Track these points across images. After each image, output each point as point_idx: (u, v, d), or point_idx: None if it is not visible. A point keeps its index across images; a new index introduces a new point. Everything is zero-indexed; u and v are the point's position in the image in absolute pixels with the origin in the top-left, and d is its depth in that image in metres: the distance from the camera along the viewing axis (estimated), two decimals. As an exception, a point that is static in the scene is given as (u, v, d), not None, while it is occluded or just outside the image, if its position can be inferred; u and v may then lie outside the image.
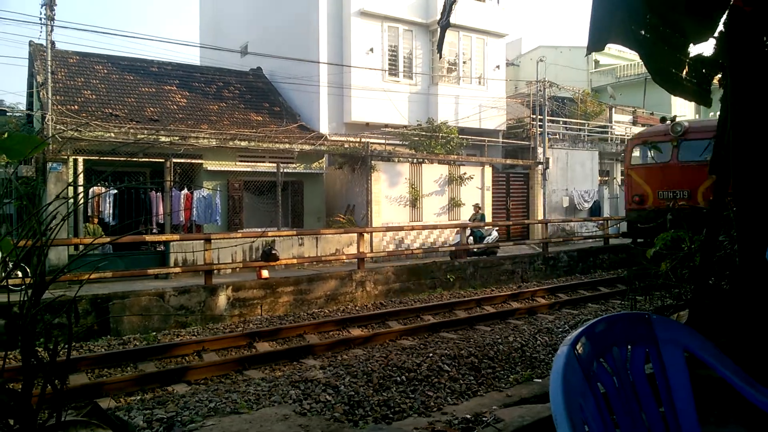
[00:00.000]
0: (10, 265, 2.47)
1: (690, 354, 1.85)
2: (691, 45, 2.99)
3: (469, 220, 17.86)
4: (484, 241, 16.76)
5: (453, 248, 15.85)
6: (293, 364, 7.75)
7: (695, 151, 12.69)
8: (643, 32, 2.56)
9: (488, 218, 19.51)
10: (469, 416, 4.75)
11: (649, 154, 14.13)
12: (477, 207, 17.93)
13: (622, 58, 34.68)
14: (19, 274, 6.45)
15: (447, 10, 3.56)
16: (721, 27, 2.96)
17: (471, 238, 16.54)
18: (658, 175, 13.77)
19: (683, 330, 1.97)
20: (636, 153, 14.60)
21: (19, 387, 2.24)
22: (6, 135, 2.20)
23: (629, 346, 1.73)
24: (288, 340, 9.08)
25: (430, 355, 7.06)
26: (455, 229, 17.36)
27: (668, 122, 14.08)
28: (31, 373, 2.17)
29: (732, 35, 3.05)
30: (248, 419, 4.75)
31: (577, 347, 1.55)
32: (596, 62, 35.07)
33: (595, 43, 2.41)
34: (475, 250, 16.10)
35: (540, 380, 6.12)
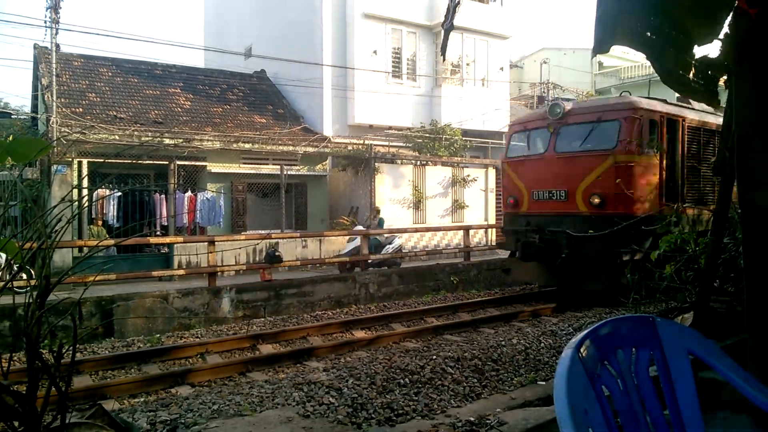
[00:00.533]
0: (15, 268, 2.48)
1: (694, 356, 1.84)
2: (696, 46, 2.98)
3: (368, 227, 15.58)
4: (383, 251, 14.30)
5: (338, 260, 13.58)
6: (296, 366, 7.75)
7: (578, 138, 10.70)
8: (648, 33, 2.56)
9: (492, 221, 19.48)
10: (472, 419, 4.73)
11: (526, 143, 11.85)
12: (376, 211, 15.87)
13: (626, 59, 34.65)
14: (24, 276, 6.47)
15: (451, 13, 3.56)
16: (726, 29, 2.95)
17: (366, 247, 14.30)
18: (534, 170, 11.44)
19: (688, 332, 1.97)
20: (515, 143, 12.15)
21: (23, 389, 2.25)
22: (11, 138, 2.21)
23: (633, 349, 1.72)
24: (291, 342, 9.07)
25: (434, 357, 7.05)
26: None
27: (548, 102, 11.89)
28: (36, 375, 2.17)
29: (737, 37, 3.04)
30: (252, 421, 4.75)
31: (582, 350, 1.54)
32: (600, 64, 35.04)
33: (601, 45, 2.41)
34: (369, 261, 13.82)
35: (544, 383, 6.11)
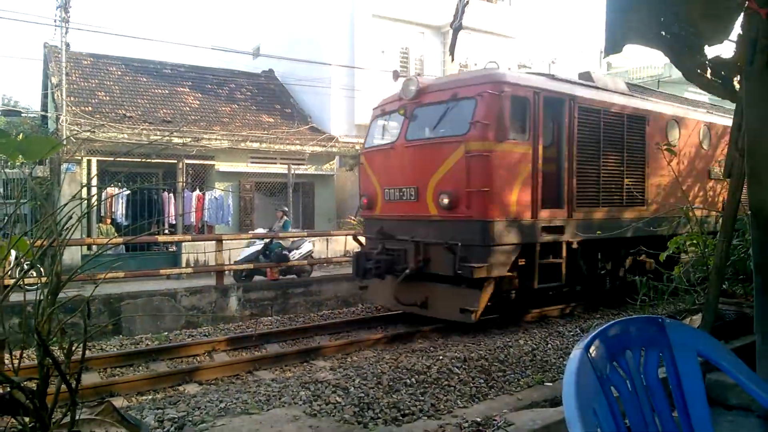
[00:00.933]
0: (25, 265, 2.51)
1: (703, 358, 1.84)
2: (707, 47, 2.97)
3: (269, 230, 13.74)
4: (290, 258, 12.61)
5: (236, 267, 11.93)
6: (303, 365, 7.77)
7: (432, 122, 8.69)
8: (663, 33, 2.56)
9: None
10: (479, 419, 4.74)
11: (382, 130, 9.82)
12: (283, 212, 14.05)
13: (634, 60, 34.48)
14: (33, 273, 6.52)
15: (460, 13, 3.56)
16: (739, 30, 2.94)
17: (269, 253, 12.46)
18: (386, 163, 9.36)
19: (697, 334, 1.96)
20: (374, 129, 10.10)
21: (32, 385, 2.27)
22: (21, 136, 2.24)
23: (643, 350, 1.72)
24: (298, 341, 9.09)
25: (440, 357, 7.05)
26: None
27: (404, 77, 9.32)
28: (47, 372, 2.19)
29: (747, 38, 3.03)
30: (259, 420, 4.77)
31: (591, 350, 1.54)
32: (608, 65, 34.88)
33: (613, 46, 2.41)
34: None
35: (551, 384, 6.10)
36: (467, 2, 3.71)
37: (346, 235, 14.15)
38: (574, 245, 9.08)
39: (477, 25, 20.36)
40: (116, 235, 13.25)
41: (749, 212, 3.23)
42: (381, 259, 8.86)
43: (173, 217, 14.81)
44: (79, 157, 13.53)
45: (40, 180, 13.48)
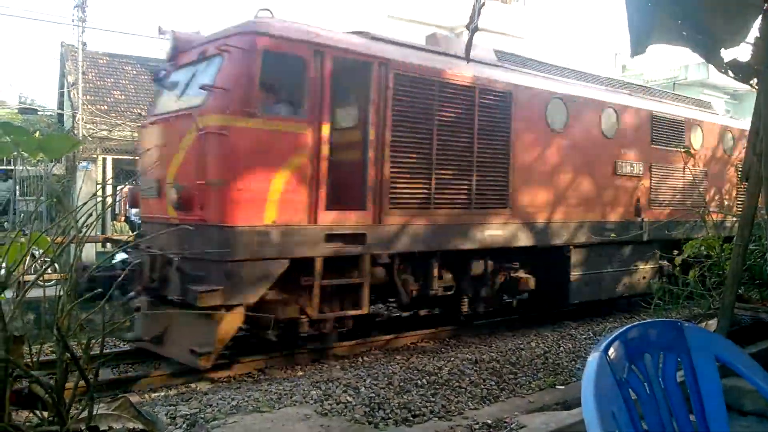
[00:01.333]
0: (40, 262, 2.54)
1: (720, 362, 1.84)
2: (723, 49, 2.96)
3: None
4: None
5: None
6: (314, 364, 7.78)
7: (181, 90, 6.70)
8: (684, 33, 2.56)
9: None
10: (490, 422, 4.73)
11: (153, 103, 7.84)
12: None
13: (649, 62, 34.26)
14: (50, 270, 6.59)
15: (476, 14, 3.56)
16: (757, 33, 2.92)
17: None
18: (143, 145, 7.43)
19: (715, 338, 1.96)
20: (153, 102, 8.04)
21: (51, 380, 2.30)
22: (38, 134, 2.27)
23: (661, 353, 1.72)
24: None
25: (452, 359, 7.05)
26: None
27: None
28: (66, 367, 2.22)
29: (766, 41, 3.01)
30: (270, 418, 4.80)
31: (610, 353, 1.54)
32: (623, 67, 34.70)
33: (638, 46, 2.41)
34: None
35: (563, 387, 6.08)
36: (483, 3, 3.70)
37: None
38: (384, 258, 7.10)
39: (490, 26, 20.36)
40: (130, 232, 13.38)
41: (766, 217, 3.21)
42: (98, 276, 6.38)
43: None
44: (95, 156, 13.67)
45: (57, 177, 13.66)
